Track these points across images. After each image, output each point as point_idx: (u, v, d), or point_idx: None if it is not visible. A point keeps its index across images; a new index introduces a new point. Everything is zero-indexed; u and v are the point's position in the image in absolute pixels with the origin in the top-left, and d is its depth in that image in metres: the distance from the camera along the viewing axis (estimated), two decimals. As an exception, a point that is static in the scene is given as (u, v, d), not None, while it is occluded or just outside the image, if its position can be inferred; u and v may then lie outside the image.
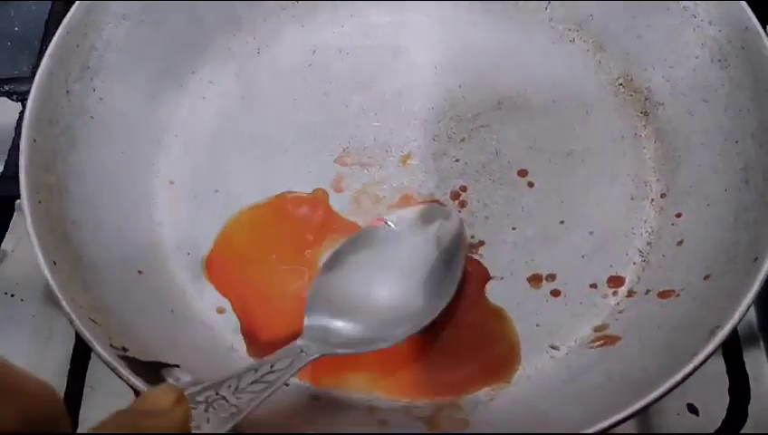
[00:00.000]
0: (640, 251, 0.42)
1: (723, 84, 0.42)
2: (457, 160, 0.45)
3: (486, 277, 0.41)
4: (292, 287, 0.41)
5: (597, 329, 0.39)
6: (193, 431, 0.28)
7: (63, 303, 0.34)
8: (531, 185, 0.44)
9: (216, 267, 0.42)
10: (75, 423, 0.40)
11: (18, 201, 0.39)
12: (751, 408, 0.38)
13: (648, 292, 0.40)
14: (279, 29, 0.50)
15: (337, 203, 0.44)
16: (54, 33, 0.42)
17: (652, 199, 0.43)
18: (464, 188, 0.44)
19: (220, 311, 0.41)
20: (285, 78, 0.48)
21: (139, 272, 0.40)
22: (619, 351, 0.38)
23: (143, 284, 0.40)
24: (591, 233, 0.42)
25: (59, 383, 0.41)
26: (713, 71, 0.43)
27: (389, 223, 0.41)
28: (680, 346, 0.34)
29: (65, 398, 0.41)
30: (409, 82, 0.48)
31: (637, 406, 0.32)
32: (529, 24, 0.49)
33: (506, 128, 0.46)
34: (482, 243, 0.42)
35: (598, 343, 0.39)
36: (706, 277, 0.37)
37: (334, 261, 0.40)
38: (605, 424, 0.31)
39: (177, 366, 0.35)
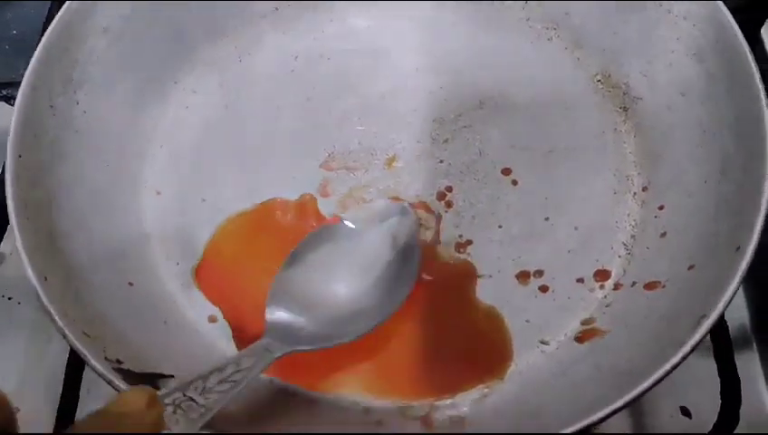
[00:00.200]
0: (625, 244, 0.42)
1: (699, 78, 0.43)
2: (442, 161, 0.45)
3: (475, 276, 0.42)
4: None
5: (585, 322, 0.40)
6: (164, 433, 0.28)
7: (56, 318, 0.34)
8: (515, 183, 0.45)
9: (206, 276, 0.42)
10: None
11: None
12: (744, 410, 0.39)
13: (634, 284, 0.40)
14: (260, 37, 0.50)
15: (324, 208, 0.44)
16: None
17: (634, 193, 0.44)
18: (449, 189, 0.45)
19: (212, 319, 0.41)
20: (268, 85, 0.49)
21: (130, 284, 0.40)
22: (607, 343, 0.38)
23: (135, 295, 0.40)
24: (576, 228, 0.43)
25: (55, 387, 0.41)
26: (689, 65, 0.44)
27: (346, 221, 0.42)
28: (667, 336, 0.35)
29: (62, 401, 0.41)
30: (391, 86, 0.48)
31: (627, 398, 0.32)
32: (507, 24, 0.50)
33: (489, 127, 0.47)
34: (469, 242, 0.43)
35: (585, 337, 0.39)
36: (690, 268, 0.38)
37: (293, 259, 0.41)
38: (597, 416, 0.32)
39: (172, 376, 0.36)
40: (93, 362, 0.33)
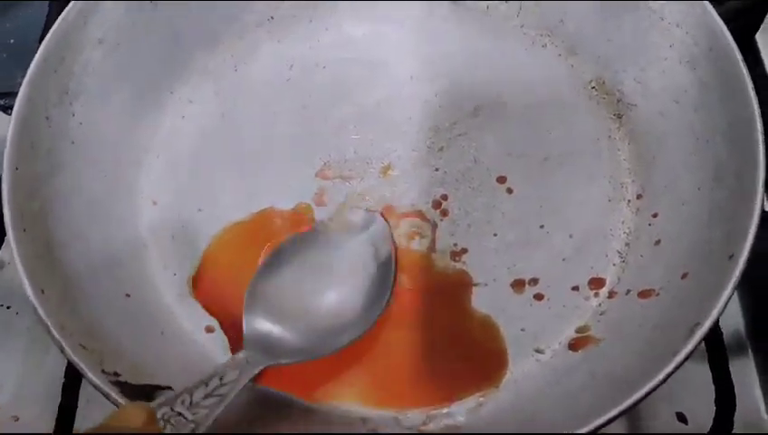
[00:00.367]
0: (619, 252, 0.42)
1: (692, 85, 0.43)
2: (437, 170, 0.46)
3: (470, 285, 0.42)
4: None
5: (579, 330, 0.40)
6: None
7: (53, 332, 0.34)
8: (510, 191, 0.45)
9: (203, 286, 0.43)
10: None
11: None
12: (739, 415, 0.39)
13: (628, 292, 0.41)
14: (256, 45, 0.50)
15: (320, 217, 0.44)
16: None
17: (629, 200, 0.44)
18: (445, 197, 0.45)
19: (209, 330, 0.41)
20: (264, 94, 0.49)
21: (127, 295, 0.41)
22: (602, 351, 0.38)
23: (131, 306, 0.40)
24: (571, 236, 0.43)
25: (54, 396, 0.41)
26: (682, 72, 0.44)
27: (320, 228, 0.43)
28: (662, 345, 0.35)
29: (60, 411, 0.41)
30: (387, 94, 0.48)
31: (621, 407, 0.32)
32: (501, 32, 0.50)
33: (483, 135, 0.47)
34: (464, 250, 0.43)
35: (579, 344, 0.39)
36: (684, 276, 0.38)
37: (269, 266, 0.41)
38: (592, 425, 0.32)
39: (169, 388, 0.36)
40: (91, 375, 0.33)
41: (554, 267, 0.42)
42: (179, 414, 0.30)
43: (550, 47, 0.50)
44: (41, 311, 0.35)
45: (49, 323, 0.34)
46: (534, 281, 0.42)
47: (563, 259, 0.42)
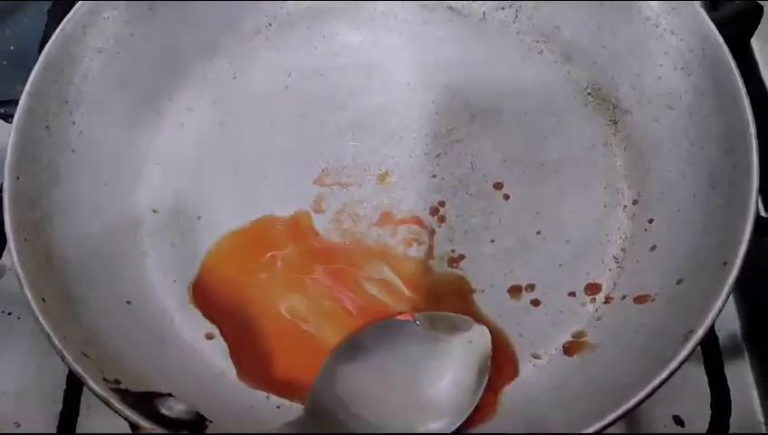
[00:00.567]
0: (615, 258, 0.43)
1: (687, 91, 0.44)
2: (434, 176, 0.46)
3: (469, 291, 0.42)
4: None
5: (576, 336, 0.40)
6: None
7: (55, 340, 0.35)
8: (506, 197, 0.45)
9: (202, 293, 0.43)
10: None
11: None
12: (735, 418, 0.39)
13: (624, 297, 0.41)
14: (254, 53, 0.51)
15: (318, 224, 0.45)
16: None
17: (624, 206, 0.44)
18: (442, 204, 0.45)
19: (209, 337, 0.41)
20: (262, 102, 0.49)
21: (128, 302, 0.41)
22: (598, 357, 0.39)
23: (132, 314, 0.41)
24: (568, 242, 0.43)
25: (55, 402, 0.42)
26: (677, 78, 0.44)
27: (417, 322, 0.40)
28: (657, 350, 0.35)
29: (61, 417, 0.41)
30: (384, 101, 0.49)
31: (618, 411, 0.33)
32: (498, 38, 0.51)
33: (480, 141, 0.47)
34: (462, 257, 0.43)
35: (573, 348, 0.40)
36: (679, 282, 0.39)
37: (364, 347, 0.39)
38: (589, 430, 0.32)
39: (170, 395, 0.36)
40: (92, 383, 0.34)
41: (551, 273, 0.43)
42: None
43: (546, 54, 0.50)
44: (42, 319, 0.35)
45: (50, 332, 0.35)
46: (531, 287, 0.42)
47: (560, 265, 0.43)
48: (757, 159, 0.38)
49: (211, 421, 0.36)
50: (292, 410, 0.39)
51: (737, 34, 0.49)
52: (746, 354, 0.47)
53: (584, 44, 0.49)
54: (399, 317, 0.41)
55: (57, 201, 0.41)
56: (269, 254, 0.44)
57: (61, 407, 0.42)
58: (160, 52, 0.48)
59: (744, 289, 0.48)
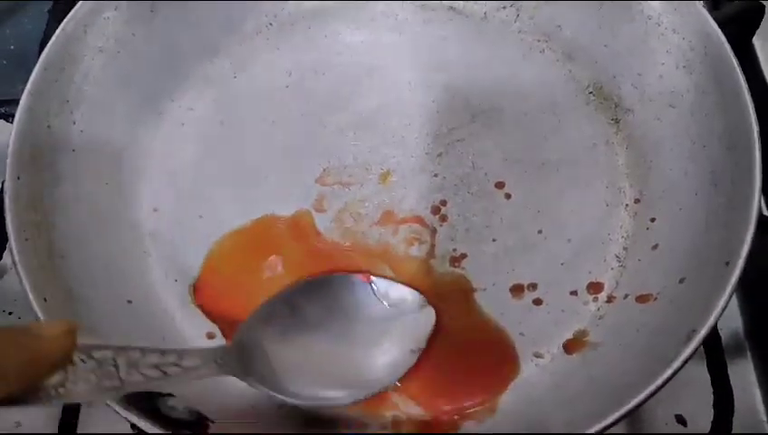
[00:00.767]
0: (617, 256, 0.43)
1: (688, 90, 0.44)
2: (436, 175, 0.46)
3: (471, 290, 0.42)
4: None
5: (578, 335, 0.40)
6: (64, 389, 0.27)
7: (56, 340, 0.34)
8: (508, 196, 0.45)
9: (204, 293, 0.43)
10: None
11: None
12: (738, 416, 0.39)
13: (626, 296, 0.41)
14: (255, 53, 0.51)
15: (319, 223, 0.45)
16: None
17: (626, 205, 0.44)
18: (444, 203, 0.45)
19: (210, 336, 0.41)
20: (263, 101, 0.49)
21: (129, 301, 0.41)
22: (600, 356, 0.39)
23: (133, 313, 0.41)
24: (569, 241, 0.43)
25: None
26: (678, 77, 0.44)
27: (374, 286, 0.40)
28: (659, 350, 0.35)
29: (63, 414, 0.41)
30: (385, 100, 0.49)
31: (620, 411, 0.33)
32: (499, 38, 0.51)
33: (482, 141, 0.47)
34: (464, 256, 0.43)
35: (572, 347, 0.40)
36: (682, 281, 0.39)
37: (300, 296, 0.39)
38: (591, 430, 0.32)
39: (171, 395, 0.36)
40: (93, 383, 0.34)
41: (553, 272, 0.42)
42: (115, 366, 0.28)
43: (547, 53, 0.50)
44: (43, 319, 0.35)
45: (52, 332, 0.35)
46: (533, 286, 0.42)
47: (562, 264, 0.43)
48: (760, 158, 0.38)
49: (212, 421, 0.35)
50: (295, 410, 0.39)
51: (739, 34, 0.49)
52: (749, 353, 0.47)
53: (586, 43, 0.49)
54: (357, 275, 0.41)
55: (58, 201, 0.41)
56: (270, 253, 0.43)
57: (61, 406, 0.42)
58: (161, 51, 0.48)
59: (746, 288, 0.48)
